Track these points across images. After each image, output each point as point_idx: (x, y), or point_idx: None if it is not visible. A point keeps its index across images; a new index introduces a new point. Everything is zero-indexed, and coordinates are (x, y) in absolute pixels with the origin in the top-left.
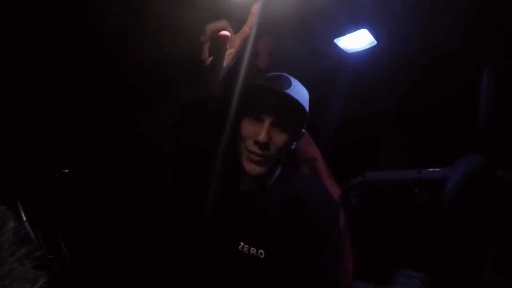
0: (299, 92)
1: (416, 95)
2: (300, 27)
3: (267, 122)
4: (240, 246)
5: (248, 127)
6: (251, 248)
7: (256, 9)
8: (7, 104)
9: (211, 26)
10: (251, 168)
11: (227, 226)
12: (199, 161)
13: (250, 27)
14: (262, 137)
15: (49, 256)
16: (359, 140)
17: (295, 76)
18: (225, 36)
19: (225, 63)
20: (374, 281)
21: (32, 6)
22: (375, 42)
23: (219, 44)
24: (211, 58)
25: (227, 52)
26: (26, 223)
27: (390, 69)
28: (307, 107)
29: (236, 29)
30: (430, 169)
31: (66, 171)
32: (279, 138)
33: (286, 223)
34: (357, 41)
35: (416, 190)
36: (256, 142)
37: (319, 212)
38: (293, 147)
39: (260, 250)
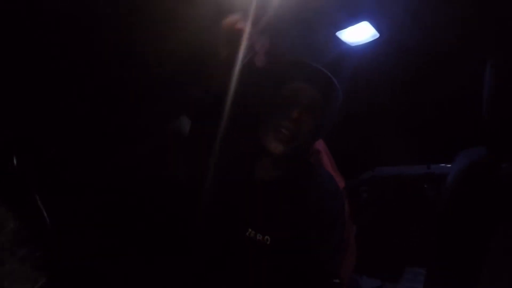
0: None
1: (419, 89)
2: (302, 22)
3: (301, 104)
4: (248, 232)
5: (280, 106)
6: (258, 234)
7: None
8: (21, 102)
9: (226, 20)
10: (275, 146)
11: (237, 214)
12: (211, 154)
13: (261, 21)
14: (295, 113)
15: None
16: (364, 135)
17: None
18: (240, 29)
19: (240, 56)
20: (381, 277)
21: (36, 5)
22: (378, 35)
23: (234, 37)
24: (227, 52)
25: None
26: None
27: (393, 62)
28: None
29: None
30: (440, 165)
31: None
32: (307, 124)
33: (294, 211)
34: (359, 34)
35: (425, 185)
36: (288, 117)
37: (326, 202)
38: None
39: (266, 237)
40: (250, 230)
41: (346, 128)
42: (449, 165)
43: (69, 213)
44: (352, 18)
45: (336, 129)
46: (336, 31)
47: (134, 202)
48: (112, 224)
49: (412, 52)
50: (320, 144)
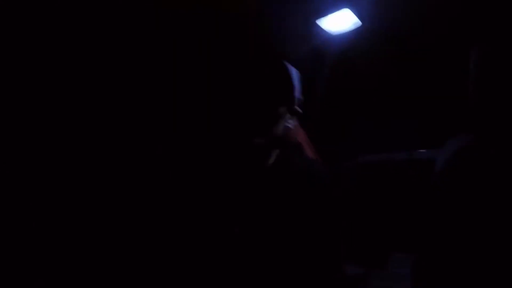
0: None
1: (403, 76)
2: (282, 8)
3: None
4: (235, 228)
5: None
6: (246, 229)
7: None
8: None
9: None
10: (252, 139)
11: (223, 210)
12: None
13: None
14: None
15: None
16: (347, 122)
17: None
18: None
19: None
20: (366, 265)
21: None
22: (359, 23)
23: None
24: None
25: None
26: None
27: (376, 50)
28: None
29: None
30: (421, 151)
31: None
32: (277, 113)
33: (283, 203)
34: (340, 22)
35: (409, 172)
36: (258, 111)
37: (317, 193)
38: (289, 125)
39: (255, 231)
40: (237, 226)
41: (328, 116)
42: (429, 151)
43: (69, 213)
44: (333, 5)
45: (317, 118)
46: (317, 19)
47: (131, 202)
48: (109, 225)
49: (395, 40)
50: (300, 135)
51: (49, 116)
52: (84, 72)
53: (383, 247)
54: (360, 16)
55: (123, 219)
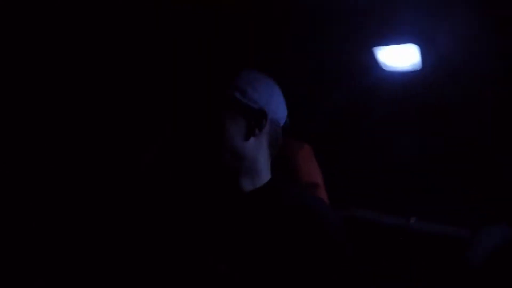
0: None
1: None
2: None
3: None
4: (209, 262)
5: None
6: (223, 266)
7: None
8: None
9: None
10: None
11: (198, 239)
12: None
13: None
14: None
15: None
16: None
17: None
18: None
19: None
20: None
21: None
22: (420, 62)
23: None
24: None
25: None
26: None
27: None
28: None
29: None
30: (423, 221)
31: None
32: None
33: (274, 240)
34: (401, 57)
35: (401, 238)
36: None
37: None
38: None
39: (234, 270)
40: (213, 259)
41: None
42: (430, 223)
43: (68, 212)
44: (394, 37)
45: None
46: (375, 49)
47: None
48: (109, 224)
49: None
50: (318, 175)
51: (49, 115)
52: (84, 71)
53: None
54: (423, 54)
55: (122, 219)
